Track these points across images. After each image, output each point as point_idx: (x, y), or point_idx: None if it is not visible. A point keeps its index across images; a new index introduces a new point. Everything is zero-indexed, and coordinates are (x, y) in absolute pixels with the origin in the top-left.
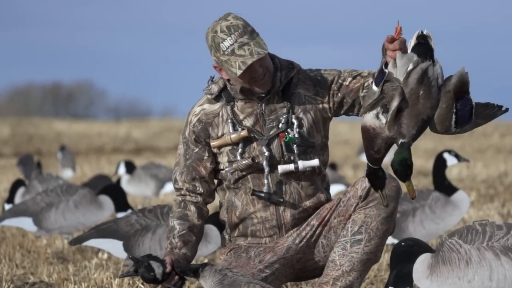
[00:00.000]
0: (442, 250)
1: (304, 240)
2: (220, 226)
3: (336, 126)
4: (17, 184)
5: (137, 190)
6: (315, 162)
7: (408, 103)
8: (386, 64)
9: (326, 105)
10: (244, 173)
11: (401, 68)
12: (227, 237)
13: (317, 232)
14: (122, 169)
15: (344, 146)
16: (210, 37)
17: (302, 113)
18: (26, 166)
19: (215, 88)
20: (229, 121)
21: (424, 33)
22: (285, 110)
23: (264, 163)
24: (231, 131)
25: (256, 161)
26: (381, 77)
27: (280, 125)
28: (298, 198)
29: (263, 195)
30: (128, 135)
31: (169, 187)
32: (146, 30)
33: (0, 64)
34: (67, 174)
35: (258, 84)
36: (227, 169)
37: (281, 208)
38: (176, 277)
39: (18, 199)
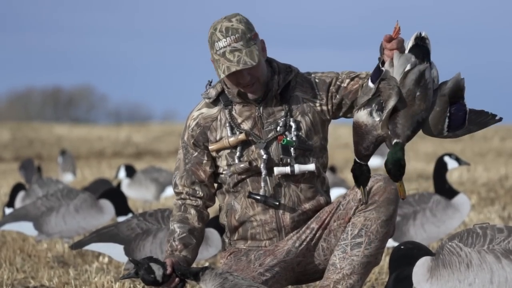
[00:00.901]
0: (442, 253)
1: (304, 243)
2: (221, 230)
3: (336, 130)
4: (17, 188)
5: (137, 194)
6: (311, 166)
7: (405, 102)
8: (383, 62)
9: (324, 107)
10: (242, 176)
11: (398, 68)
12: (227, 240)
13: (317, 235)
14: (122, 173)
15: (344, 149)
16: (209, 33)
17: (300, 116)
18: (27, 170)
19: (213, 92)
20: (227, 124)
21: (423, 35)
22: (283, 113)
23: (262, 166)
24: (229, 134)
25: (254, 164)
26: (378, 74)
27: (278, 128)
28: (298, 200)
29: (259, 198)
30: (129, 139)
31: (169, 191)
32: (146, 35)
33: (1, 68)
34: (67, 178)
35: (246, 90)
36: (225, 172)
37: (281, 211)
38: (177, 279)
39: (18, 203)
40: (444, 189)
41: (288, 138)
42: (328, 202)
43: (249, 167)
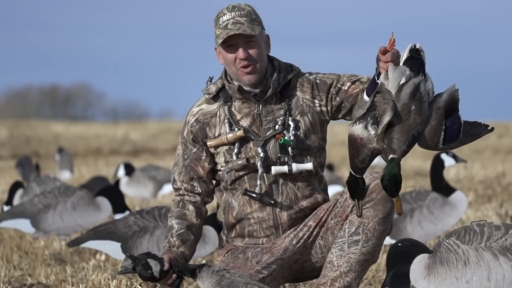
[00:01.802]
0: (440, 251)
1: (301, 240)
2: (218, 227)
3: (334, 128)
4: (15, 186)
5: (135, 191)
6: (308, 166)
7: (400, 117)
8: (379, 74)
9: (324, 108)
10: (240, 173)
11: (393, 81)
12: (224, 238)
13: (314, 233)
14: (121, 171)
15: (341, 147)
16: (217, 13)
17: (299, 116)
18: (25, 168)
19: (213, 88)
20: (226, 121)
21: (417, 46)
22: (282, 111)
23: (259, 164)
24: (227, 131)
25: (252, 161)
26: (373, 87)
27: (277, 126)
28: (295, 198)
29: (254, 195)
30: (126, 137)
31: (167, 188)
32: (144, 33)
33: None
34: (65, 176)
35: (242, 72)
36: (223, 169)
37: (278, 208)
38: (174, 275)
39: (16, 201)
40: (441, 186)
41: (286, 137)
42: (325, 200)
43: (246, 164)
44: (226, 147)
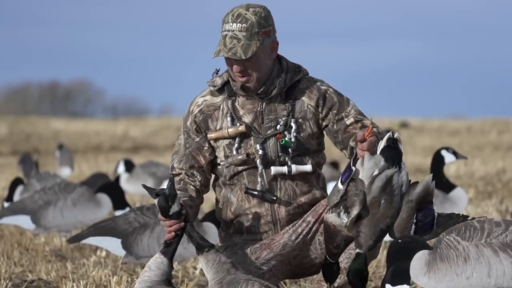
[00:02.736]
0: (440, 247)
1: (300, 236)
2: (218, 224)
3: None
4: (16, 183)
5: (135, 188)
6: (308, 167)
7: (368, 211)
8: (355, 159)
9: (319, 119)
10: (239, 169)
11: (367, 170)
12: (223, 234)
13: (314, 228)
14: (121, 168)
15: None
16: (226, 12)
17: (301, 119)
18: (26, 164)
19: (218, 81)
20: (228, 115)
21: (395, 136)
22: (285, 112)
23: (258, 161)
24: (229, 125)
25: (252, 157)
26: (348, 174)
27: (278, 126)
28: (293, 194)
29: (256, 193)
30: (126, 134)
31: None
32: (144, 29)
33: None
34: (65, 172)
35: (239, 79)
36: (222, 163)
37: (276, 204)
38: (182, 223)
39: (17, 197)
40: (442, 182)
41: (286, 138)
42: (324, 196)
43: (246, 159)
44: (226, 142)
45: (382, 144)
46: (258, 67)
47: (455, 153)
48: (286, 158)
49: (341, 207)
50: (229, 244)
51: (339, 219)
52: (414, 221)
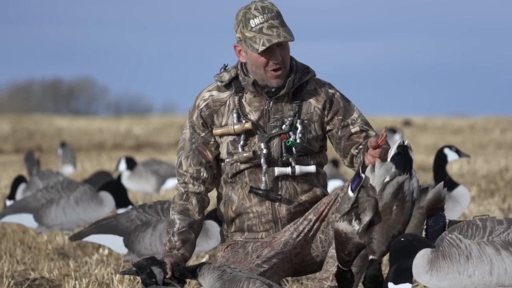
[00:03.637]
0: (442, 245)
1: (302, 234)
2: (221, 222)
3: None
4: (18, 181)
5: (138, 186)
6: (311, 168)
7: (381, 217)
8: (364, 167)
9: (324, 122)
10: (241, 167)
11: (378, 177)
12: (224, 232)
13: (315, 226)
14: (123, 166)
15: None
16: (242, 12)
17: (307, 121)
18: (30, 162)
19: (226, 76)
20: (235, 111)
21: (405, 143)
22: (291, 113)
23: (262, 160)
24: (235, 121)
25: (258, 153)
26: (358, 181)
27: (284, 126)
28: (294, 193)
29: (261, 192)
30: (129, 131)
31: (169, 183)
32: (147, 27)
33: (1, 60)
34: (67, 170)
35: (271, 75)
36: (227, 160)
37: (277, 202)
38: (176, 281)
39: (19, 195)
40: (444, 181)
41: (291, 139)
42: (324, 194)
43: (252, 157)
44: (230, 138)
45: (392, 151)
46: (288, 58)
47: (458, 152)
48: (290, 159)
49: (353, 214)
50: (231, 243)
51: (351, 227)
52: (425, 227)
